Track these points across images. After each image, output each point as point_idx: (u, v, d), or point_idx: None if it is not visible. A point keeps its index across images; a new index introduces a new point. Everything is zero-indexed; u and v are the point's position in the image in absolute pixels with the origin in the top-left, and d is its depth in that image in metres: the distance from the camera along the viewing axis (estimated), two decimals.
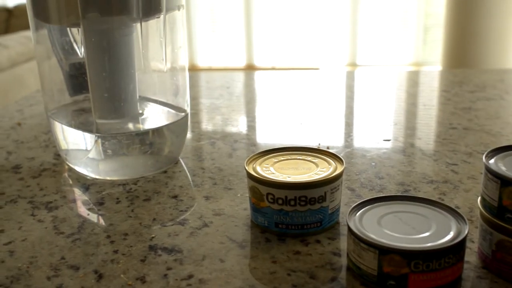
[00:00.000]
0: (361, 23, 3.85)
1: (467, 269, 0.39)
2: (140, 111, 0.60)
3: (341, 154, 0.62)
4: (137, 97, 0.59)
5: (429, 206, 0.40)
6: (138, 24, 0.54)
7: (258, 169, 0.46)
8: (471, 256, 0.40)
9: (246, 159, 0.47)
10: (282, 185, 0.43)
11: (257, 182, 0.44)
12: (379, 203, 0.41)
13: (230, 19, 3.90)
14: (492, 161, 0.38)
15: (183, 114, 0.60)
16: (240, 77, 1.12)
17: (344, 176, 0.55)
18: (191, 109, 0.83)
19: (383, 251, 0.35)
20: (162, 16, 0.55)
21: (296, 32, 3.93)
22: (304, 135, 0.70)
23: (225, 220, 0.47)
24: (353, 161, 0.60)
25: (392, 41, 3.87)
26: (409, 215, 0.39)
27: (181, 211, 0.49)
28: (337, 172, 0.44)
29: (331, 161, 0.47)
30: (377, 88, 0.97)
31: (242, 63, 4.08)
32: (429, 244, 0.35)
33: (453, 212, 0.39)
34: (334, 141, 0.67)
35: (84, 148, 0.56)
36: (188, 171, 0.58)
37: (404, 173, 0.56)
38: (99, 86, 0.56)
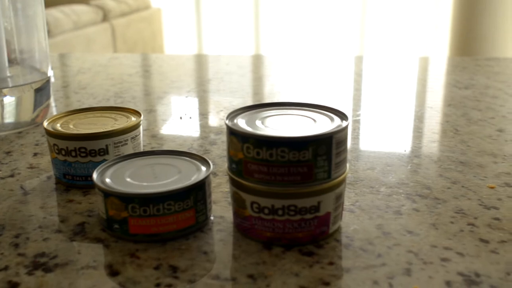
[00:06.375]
0: (369, 17, 3.80)
1: (223, 229, 0.40)
2: (9, 75, 0.62)
3: (200, 124, 0.63)
4: (6, 60, 0.62)
5: (187, 158, 0.42)
6: None
7: (58, 125, 0.48)
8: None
9: (51, 116, 0.49)
10: (63, 137, 0.45)
11: (47, 135, 0.46)
12: (142, 157, 0.43)
13: (239, 8, 3.91)
14: (234, 120, 0.39)
15: (44, 78, 0.63)
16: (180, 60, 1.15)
17: (172, 143, 0.57)
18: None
19: (106, 194, 0.37)
20: None
21: (305, 24, 3.91)
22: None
23: (34, 172, 0.50)
24: (206, 130, 0.62)
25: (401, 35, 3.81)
26: (163, 167, 0.41)
27: (1, 164, 0.52)
28: (122, 127, 0.46)
29: (133, 118, 0.48)
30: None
31: (250, 53, 4.09)
32: (148, 190, 0.37)
33: (207, 165, 0.41)
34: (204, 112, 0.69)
35: None
36: (40, 133, 0.61)
37: None
38: None
